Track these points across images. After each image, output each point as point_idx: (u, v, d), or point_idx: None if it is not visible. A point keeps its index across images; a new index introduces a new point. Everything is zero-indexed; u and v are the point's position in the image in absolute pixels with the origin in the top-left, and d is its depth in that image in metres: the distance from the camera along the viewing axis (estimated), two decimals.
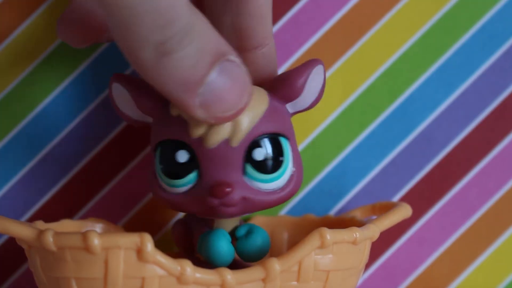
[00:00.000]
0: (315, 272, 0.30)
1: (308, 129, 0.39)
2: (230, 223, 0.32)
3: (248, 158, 0.31)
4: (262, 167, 0.31)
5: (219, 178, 0.30)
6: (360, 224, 0.34)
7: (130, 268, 0.28)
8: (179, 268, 0.28)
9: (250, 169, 0.31)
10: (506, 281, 0.40)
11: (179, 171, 0.31)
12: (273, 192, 0.31)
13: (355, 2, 0.39)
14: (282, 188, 0.31)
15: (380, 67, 0.39)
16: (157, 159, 0.31)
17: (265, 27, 0.33)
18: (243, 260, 0.32)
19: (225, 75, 0.28)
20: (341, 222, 0.36)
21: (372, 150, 0.39)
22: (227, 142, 0.30)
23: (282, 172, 0.31)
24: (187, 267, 0.28)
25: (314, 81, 0.32)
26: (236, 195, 0.30)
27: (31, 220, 0.38)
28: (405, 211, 0.34)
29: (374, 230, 0.32)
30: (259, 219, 0.38)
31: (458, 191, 0.39)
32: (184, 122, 0.30)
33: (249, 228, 0.32)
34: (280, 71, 0.39)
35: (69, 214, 0.38)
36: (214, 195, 0.30)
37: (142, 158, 0.38)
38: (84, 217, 0.38)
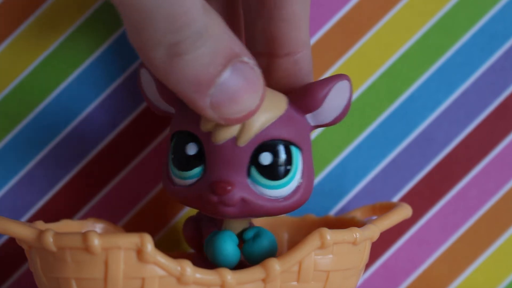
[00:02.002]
0: (315, 272, 0.30)
1: None
2: (238, 225, 0.32)
3: (254, 160, 0.30)
4: (267, 172, 0.30)
5: (222, 176, 0.30)
6: (360, 224, 0.34)
7: (130, 269, 0.28)
8: (179, 268, 0.28)
9: (254, 172, 0.30)
10: (506, 281, 0.40)
11: (187, 163, 0.31)
12: (276, 200, 0.31)
13: (355, 2, 0.39)
14: (285, 198, 0.31)
15: (380, 67, 0.39)
16: (171, 149, 0.31)
17: (298, 34, 0.32)
18: (249, 263, 0.31)
19: (237, 76, 0.28)
20: (341, 222, 0.36)
21: (372, 150, 0.39)
22: (234, 140, 0.30)
23: (288, 181, 0.31)
24: (187, 268, 0.28)
25: (338, 96, 0.31)
26: (236, 195, 0.30)
27: (31, 220, 0.38)
28: (405, 212, 0.34)
29: (374, 230, 0.32)
30: (259, 220, 0.38)
31: (458, 191, 0.39)
32: (198, 115, 0.30)
33: (257, 231, 0.31)
34: None
35: (69, 214, 0.38)
36: (213, 192, 0.30)
37: (142, 158, 0.38)
38: (84, 217, 0.38)
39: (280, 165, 0.30)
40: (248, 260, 0.31)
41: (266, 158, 0.30)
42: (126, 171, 0.38)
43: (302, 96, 0.31)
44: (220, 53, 0.28)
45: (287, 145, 0.31)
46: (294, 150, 0.31)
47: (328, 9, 0.39)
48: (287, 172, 0.31)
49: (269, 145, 0.30)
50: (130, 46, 0.38)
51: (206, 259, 0.32)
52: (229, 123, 0.29)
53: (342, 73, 0.38)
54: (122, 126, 0.38)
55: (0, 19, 0.37)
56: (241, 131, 0.30)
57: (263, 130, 0.30)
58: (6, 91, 0.38)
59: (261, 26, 0.32)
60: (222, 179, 0.30)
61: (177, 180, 0.31)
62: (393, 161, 0.39)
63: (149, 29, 0.27)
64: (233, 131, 0.30)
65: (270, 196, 0.31)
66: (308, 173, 0.31)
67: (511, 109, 0.39)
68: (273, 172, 0.30)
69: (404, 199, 0.39)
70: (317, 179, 0.39)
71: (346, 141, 0.39)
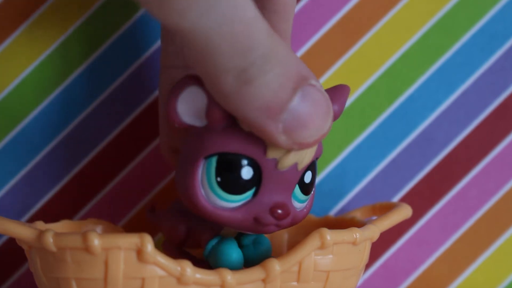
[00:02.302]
0: (315, 273, 0.30)
1: None
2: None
3: (300, 180, 0.30)
4: (306, 189, 0.31)
5: (278, 199, 0.30)
6: (360, 224, 0.34)
7: (130, 269, 0.28)
8: (179, 268, 0.28)
9: (297, 190, 0.30)
10: (506, 281, 0.40)
11: (241, 187, 0.30)
12: (301, 211, 0.31)
13: (355, 2, 0.39)
14: (306, 207, 0.31)
15: (380, 67, 0.39)
16: (211, 169, 0.29)
17: (287, 26, 0.32)
18: (245, 266, 0.32)
19: (307, 100, 0.28)
20: (341, 223, 0.36)
21: (372, 150, 0.39)
22: (295, 166, 0.30)
23: (311, 192, 0.31)
24: (187, 268, 0.28)
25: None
26: (290, 217, 0.30)
27: (31, 220, 0.38)
28: (405, 212, 0.34)
29: (374, 231, 0.32)
30: None
31: (458, 191, 0.39)
32: (258, 139, 0.29)
33: (256, 237, 0.32)
34: None
35: (69, 214, 0.38)
36: (275, 216, 0.30)
37: (142, 158, 0.38)
38: (84, 218, 0.38)
39: (313, 181, 0.31)
40: (247, 264, 0.31)
41: (308, 177, 0.31)
42: (126, 171, 0.38)
43: None
44: (289, 77, 0.27)
45: (316, 160, 0.31)
46: (316, 164, 0.31)
47: (328, 9, 0.39)
48: (313, 185, 0.31)
49: (312, 164, 0.31)
50: (130, 46, 0.38)
51: (189, 257, 0.32)
52: (302, 147, 0.28)
53: (342, 73, 0.38)
54: (122, 126, 0.38)
55: (0, 19, 0.37)
56: (303, 156, 0.30)
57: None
58: (6, 91, 0.38)
59: None
60: (281, 203, 0.30)
61: (220, 202, 0.30)
62: (393, 161, 0.39)
63: (215, 55, 0.27)
64: (297, 157, 0.29)
65: (298, 208, 0.31)
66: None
67: (511, 109, 0.39)
68: (309, 188, 0.31)
69: (404, 199, 0.39)
70: (317, 179, 0.39)
71: (346, 141, 0.39)
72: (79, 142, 0.38)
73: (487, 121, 0.39)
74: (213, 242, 0.31)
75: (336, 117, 0.30)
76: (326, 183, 0.39)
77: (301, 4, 0.39)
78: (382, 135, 0.39)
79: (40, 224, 0.33)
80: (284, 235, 0.38)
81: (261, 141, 0.29)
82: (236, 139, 0.29)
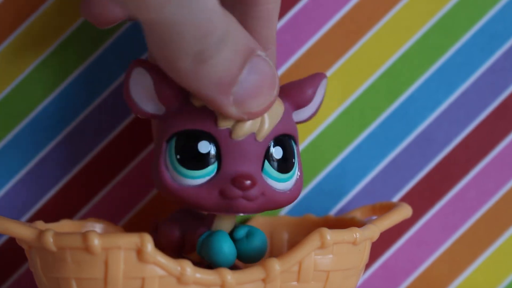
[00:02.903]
0: (315, 272, 0.30)
1: (308, 129, 0.39)
2: (229, 224, 0.32)
3: (268, 155, 0.31)
4: (279, 166, 0.31)
5: (243, 170, 0.30)
6: (360, 224, 0.34)
7: (130, 269, 0.28)
8: (179, 268, 0.28)
9: (268, 166, 0.31)
10: (506, 281, 0.40)
11: (200, 161, 0.30)
12: (284, 192, 0.31)
13: (355, 2, 0.39)
14: (290, 190, 0.32)
15: (380, 67, 0.39)
16: (172, 150, 0.31)
17: (270, 32, 0.33)
18: (241, 261, 0.32)
19: (255, 72, 0.29)
20: (341, 222, 0.36)
21: (372, 150, 0.39)
22: (253, 136, 0.30)
23: (292, 174, 0.32)
24: (187, 267, 0.28)
25: (319, 93, 0.33)
26: (257, 189, 0.30)
27: (31, 220, 0.38)
28: (405, 212, 0.34)
29: (374, 231, 0.32)
30: (259, 219, 0.38)
31: (458, 191, 0.39)
32: (209, 112, 0.30)
33: (249, 230, 0.32)
34: (280, 71, 0.39)
35: (69, 214, 0.38)
36: (238, 186, 0.30)
37: (142, 158, 0.38)
38: (84, 217, 0.38)
39: (289, 159, 0.31)
40: (241, 258, 0.31)
41: (278, 152, 0.31)
42: (126, 171, 0.38)
43: (295, 93, 0.32)
44: (239, 52, 0.29)
45: (290, 140, 0.32)
46: (293, 144, 0.32)
47: (328, 9, 0.39)
48: (293, 165, 0.32)
49: (280, 140, 0.31)
50: (129, 46, 0.38)
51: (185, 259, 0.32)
52: (251, 117, 0.30)
53: (342, 73, 0.38)
54: (122, 126, 0.38)
55: (0, 19, 0.37)
56: (260, 126, 0.30)
57: (276, 125, 0.31)
58: (6, 91, 0.38)
59: None
60: (244, 173, 0.30)
61: (184, 180, 0.31)
62: (393, 161, 0.39)
63: (177, 41, 0.28)
64: (253, 126, 0.30)
65: (279, 189, 0.31)
66: (300, 166, 0.32)
67: (511, 109, 0.39)
68: (284, 166, 0.31)
69: (404, 199, 0.39)
70: (317, 179, 0.39)
71: (346, 141, 0.39)
72: (79, 142, 0.38)
73: (487, 121, 0.39)
74: (203, 236, 0.31)
75: (309, 99, 0.32)
76: (326, 183, 0.39)
77: (301, 4, 0.39)
78: (382, 135, 0.39)
79: (40, 224, 0.33)
80: (284, 235, 0.38)
81: (213, 114, 0.30)
82: (189, 116, 0.31)
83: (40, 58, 0.38)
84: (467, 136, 0.39)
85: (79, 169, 0.38)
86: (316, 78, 0.32)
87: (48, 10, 0.38)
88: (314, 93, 0.32)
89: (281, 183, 0.31)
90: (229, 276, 0.29)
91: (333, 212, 0.39)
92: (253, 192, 0.30)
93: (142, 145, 0.38)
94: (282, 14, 0.39)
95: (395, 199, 0.39)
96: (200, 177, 0.31)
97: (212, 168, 0.30)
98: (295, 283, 0.30)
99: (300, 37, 0.39)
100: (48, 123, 0.38)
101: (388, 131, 0.39)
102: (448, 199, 0.39)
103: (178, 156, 0.31)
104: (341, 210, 0.39)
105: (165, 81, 0.31)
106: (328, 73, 0.39)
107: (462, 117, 0.39)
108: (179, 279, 0.28)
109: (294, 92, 0.32)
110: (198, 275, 0.29)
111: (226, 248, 0.31)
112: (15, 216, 0.38)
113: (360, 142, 0.39)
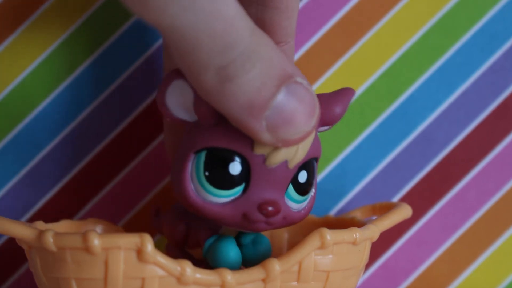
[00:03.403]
0: (315, 273, 0.30)
1: None
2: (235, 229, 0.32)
3: (294, 179, 0.30)
4: (301, 189, 0.30)
5: (269, 196, 0.30)
6: (360, 224, 0.34)
7: (130, 269, 0.28)
8: (179, 268, 0.28)
9: (291, 189, 0.30)
10: (506, 281, 0.40)
11: (229, 182, 0.30)
12: (298, 212, 0.31)
13: (355, 2, 0.39)
14: (304, 209, 0.31)
15: (380, 67, 0.39)
16: (200, 164, 0.30)
17: (289, 24, 0.32)
18: (245, 266, 0.31)
19: (292, 97, 0.28)
20: (341, 222, 0.36)
21: (372, 150, 0.39)
22: (285, 163, 0.30)
23: (310, 194, 0.31)
24: (187, 268, 0.28)
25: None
26: (280, 215, 0.30)
27: (31, 220, 0.38)
28: (405, 212, 0.34)
29: (374, 231, 0.32)
30: None
31: (458, 191, 0.39)
32: (246, 136, 0.29)
33: (255, 236, 0.32)
34: None
35: (69, 214, 0.38)
36: (264, 213, 0.30)
37: (142, 158, 0.38)
38: (84, 217, 0.38)
39: (311, 181, 0.31)
40: (246, 264, 0.31)
41: (303, 177, 0.30)
42: (126, 171, 0.38)
43: (323, 111, 0.30)
44: (272, 74, 0.27)
45: (315, 161, 0.31)
46: (315, 165, 0.31)
47: (328, 9, 0.39)
48: (311, 186, 0.31)
49: (307, 164, 0.30)
50: (130, 46, 0.38)
51: (188, 256, 0.32)
52: (287, 145, 0.28)
53: (342, 73, 0.38)
54: (122, 126, 0.38)
55: (0, 19, 0.37)
56: (294, 154, 0.29)
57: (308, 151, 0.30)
58: (6, 91, 0.38)
59: (254, 13, 0.32)
60: (270, 200, 0.30)
61: (209, 197, 0.30)
62: (393, 161, 0.39)
63: (196, 52, 0.27)
64: (288, 154, 0.29)
65: (295, 209, 0.31)
66: (315, 183, 0.32)
67: (511, 109, 0.39)
68: (306, 189, 0.31)
69: (404, 199, 0.39)
70: (317, 179, 0.39)
71: (346, 141, 0.39)
72: (79, 142, 0.38)
73: (487, 121, 0.39)
74: (211, 240, 0.31)
75: (338, 118, 0.31)
76: (326, 183, 0.39)
77: (301, 4, 0.39)
78: (382, 135, 0.39)
79: (40, 224, 0.33)
80: (284, 235, 0.38)
81: (250, 137, 0.29)
82: (225, 134, 0.29)
83: (40, 58, 0.38)
84: (467, 136, 0.39)
85: (79, 169, 0.38)
86: (346, 94, 0.31)
87: (48, 11, 0.38)
88: (343, 111, 0.31)
89: (299, 204, 0.31)
90: (229, 276, 0.29)
91: (333, 212, 0.39)
92: (276, 218, 0.30)
93: (142, 145, 0.38)
94: None
95: (395, 199, 0.39)
96: (225, 197, 0.30)
97: (238, 189, 0.30)
98: (295, 283, 0.30)
99: (300, 37, 0.39)
100: (48, 123, 0.38)
101: (388, 131, 0.39)
102: (448, 199, 0.39)
103: (206, 173, 0.30)
104: (341, 210, 0.39)
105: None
106: (328, 73, 0.39)
107: (462, 117, 0.39)
108: (179, 279, 0.28)
109: (323, 110, 0.30)
110: (198, 275, 0.29)
111: (232, 255, 0.31)
112: (15, 216, 0.38)
113: (360, 142, 0.39)
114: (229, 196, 0.30)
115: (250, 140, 0.29)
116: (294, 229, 0.37)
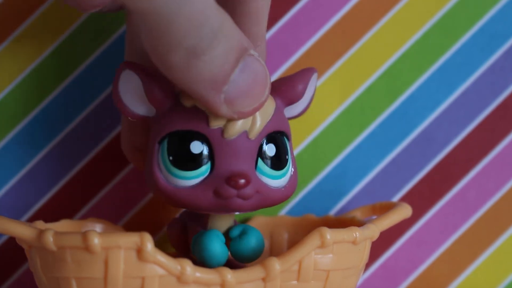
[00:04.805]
0: (315, 272, 0.30)
1: (308, 129, 0.39)
2: (224, 224, 0.32)
3: (261, 153, 0.31)
4: (272, 163, 0.31)
5: (236, 169, 0.30)
6: (360, 224, 0.34)
7: (130, 268, 0.28)
8: (179, 267, 0.28)
9: (261, 164, 0.31)
10: (506, 281, 0.40)
11: (193, 162, 0.30)
12: (279, 189, 0.31)
13: (355, 2, 0.39)
14: (285, 187, 0.32)
15: (380, 67, 0.39)
16: (164, 151, 0.31)
17: (259, 29, 0.33)
18: (237, 260, 0.32)
19: (247, 71, 0.29)
20: (341, 222, 0.36)
21: (372, 150, 0.39)
22: (245, 134, 0.30)
23: (286, 170, 0.32)
24: (187, 267, 0.28)
25: (310, 88, 0.33)
26: (252, 187, 0.30)
27: (31, 220, 0.38)
28: (405, 211, 0.34)
29: (374, 230, 0.32)
30: (259, 219, 0.38)
31: (458, 191, 0.39)
32: (200, 112, 0.30)
33: (243, 228, 0.32)
34: (280, 71, 0.39)
35: (69, 214, 0.38)
36: (232, 185, 0.30)
37: None
38: (84, 217, 0.38)
39: (281, 156, 0.31)
40: (235, 257, 0.31)
41: (271, 150, 0.31)
42: (126, 171, 0.39)
43: (285, 89, 0.32)
44: (233, 50, 0.28)
45: (283, 136, 0.32)
46: (286, 141, 0.32)
47: (328, 9, 0.39)
48: (286, 162, 0.32)
49: (273, 137, 0.31)
50: None
51: (191, 260, 0.32)
52: (242, 116, 0.30)
53: (342, 73, 0.38)
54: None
55: (0, 19, 0.37)
56: (251, 124, 0.30)
57: (267, 122, 0.31)
58: (6, 91, 0.38)
59: None
60: (238, 172, 0.30)
61: (178, 181, 0.31)
62: (393, 161, 0.39)
63: (169, 34, 0.28)
64: (245, 125, 0.30)
65: (274, 187, 0.31)
66: (294, 162, 0.32)
67: (511, 109, 0.39)
68: (277, 163, 0.31)
69: (404, 199, 0.39)
70: (317, 179, 0.39)
71: (346, 141, 0.39)
72: (79, 142, 0.38)
73: (487, 121, 0.39)
74: (196, 235, 0.31)
75: (300, 95, 0.32)
76: (326, 183, 0.39)
77: (301, 4, 0.39)
78: (382, 135, 0.39)
79: (40, 224, 0.33)
80: (284, 235, 0.38)
81: (204, 114, 0.30)
82: (180, 117, 0.30)
83: (40, 58, 0.38)
84: (467, 136, 0.39)
85: (79, 169, 0.38)
86: (306, 73, 0.32)
87: (48, 10, 0.38)
88: (304, 88, 0.32)
89: (275, 180, 0.31)
90: (229, 275, 0.29)
91: (333, 212, 0.39)
92: (248, 190, 0.30)
93: None
94: (282, 14, 0.39)
95: (395, 199, 0.39)
96: (193, 178, 0.30)
97: (205, 168, 0.30)
98: (295, 282, 0.30)
99: (300, 37, 0.39)
100: (47, 123, 0.38)
101: (388, 131, 0.39)
102: (448, 199, 0.39)
103: (170, 158, 0.31)
104: (341, 210, 0.39)
105: (155, 82, 0.31)
106: (328, 73, 0.39)
107: (462, 117, 0.39)
108: (179, 278, 0.28)
109: (285, 88, 0.32)
110: (198, 274, 0.29)
111: (216, 247, 0.31)
112: (15, 216, 0.38)
113: (360, 142, 0.39)
114: (197, 176, 0.30)
115: (205, 117, 0.30)
116: (294, 229, 0.37)
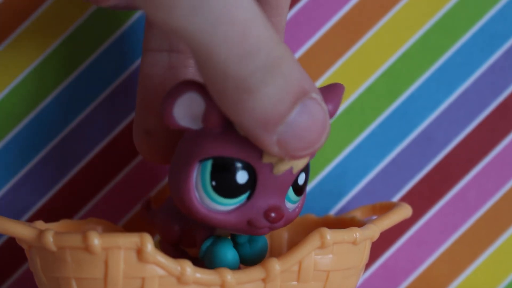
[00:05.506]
0: (315, 272, 0.30)
1: None
2: None
3: (294, 182, 0.30)
4: (299, 190, 0.31)
5: (273, 202, 0.30)
6: (360, 224, 0.34)
7: (130, 268, 0.28)
8: (179, 268, 0.28)
9: (291, 192, 0.30)
10: (506, 281, 0.40)
11: (236, 191, 0.29)
12: (293, 210, 0.31)
13: (355, 2, 0.39)
14: (297, 207, 0.31)
15: (380, 67, 0.39)
16: (206, 173, 0.29)
17: (280, 19, 0.32)
18: (242, 263, 0.32)
19: (305, 114, 0.27)
20: (341, 222, 0.36)
21: (372, 150, 0.39)
22: (290, 169, 0.30)
23: (304, 193, 0.31)
24: (187, 267, 0.28)
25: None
26: (284, 219, 0.30)
27: (31, 220, 0.38)
28: (405, 211, 0.34)
29: (374, 230, 0.32)
30: None
31: (458, 191, 0.39)
32: (253, 144, 0.28)
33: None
34: None
35: (69, 214, 0.38)
36: (269, 220, 0.30)
37: (142, 158, 0.38)
38: (84, 217, 0.38)
39: (306, 182, 0.31)
40: (242, 261, 0.32)
41: (302, 179, 0.31)
42: (126, 171, 0.38)
43: None
44: (290, 90, 0.26)
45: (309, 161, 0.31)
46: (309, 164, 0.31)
47: (328, 9, 0.39)
48: (306, 186, 0.31)
49: (305, 166, 0.30)
50: (129, 46, 0.38)
51: (183, 254, 0.32)
52: (294, 159, 0.28)
53: (342, 73, 0.38)
54: (122, 126, 0.38)
55: (0, 19, 0.37)
56: (299, 161, 0.29)
57: None
58: (6, 91, 0.38)
59: None
60: (275, 206, 0.30)
61: (214, 206, 0.30)
62: (393, 161, 0.39)
63: (212, 59, 0.26)
64: (293, 162, 0.29)
65: (291, 209, 0.31)
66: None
67: (511, 109, 0.39)
68: (303, 189, 0.31)
69: (404, 199, 0.39)
70: (317, 179, 0.39)
71: (346, 141, 0.39)
72: (79, 142, 0.38)
73: (487, 121, 0.39)
74: (208, 242, 0.31)
75: (330, 116, 0.30)
76: (326, 183, 0.39)
77: (301, 4, 0.39)
78: (382, 135, 0.39)
79: (40, 224, 0.33)
80: (284, 235, 0.38)
81: (257, 147, 0.29)
82: (232, 143, 0.29)
83: (40, 58, 0.38)
84: (467, 136, 0.39)
85: (79, 169, 0.38)
86: (337, 91, 0.31)
87: (48, 10, 0.38)
88: (336, 109, 0.30)
89: (294, 204, 0.31)
90: (229, 275, 0.29)
91: (333, 212, 0.39)
92: (280, 223, 0.30)
93: None
94: None
95: (395, 199, 0.39)
96: (231, 205, 0.30)
97: (243, 197, 0.30)
98: (295, 282, 0.30)
99: (300, 37, 0.39)
100: (48, 123, 0.38)
101: (388, 131, 0.39)
102: (448, 199, 0.39)
103: (213, 183, 0.29)
104: (341, 210, 0.39)
105: (218, 108, 0.28)
106: (328, 73, 0.39)
107: (462, 117, 0.39)
108: (179, 278, 0.28)
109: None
110: (198, 275, 0.29)
111: (230, 257, 0.31)
112: (15, 216, 0.38)
113: (360, 142, 0.39)
114: (234, 204, 0.30)
115: (257, 149, 0.29)
116: (294, 229, 0.37)
